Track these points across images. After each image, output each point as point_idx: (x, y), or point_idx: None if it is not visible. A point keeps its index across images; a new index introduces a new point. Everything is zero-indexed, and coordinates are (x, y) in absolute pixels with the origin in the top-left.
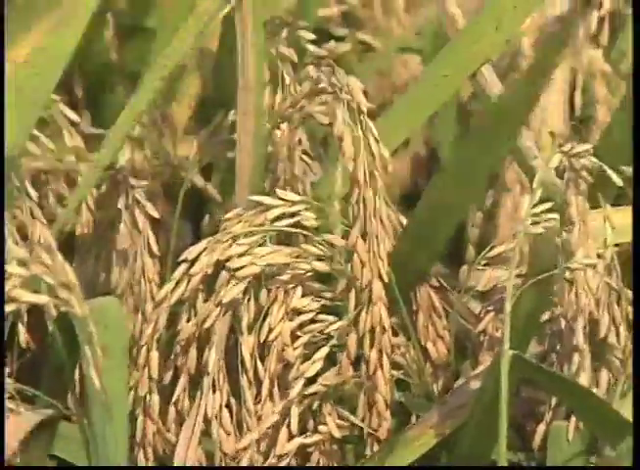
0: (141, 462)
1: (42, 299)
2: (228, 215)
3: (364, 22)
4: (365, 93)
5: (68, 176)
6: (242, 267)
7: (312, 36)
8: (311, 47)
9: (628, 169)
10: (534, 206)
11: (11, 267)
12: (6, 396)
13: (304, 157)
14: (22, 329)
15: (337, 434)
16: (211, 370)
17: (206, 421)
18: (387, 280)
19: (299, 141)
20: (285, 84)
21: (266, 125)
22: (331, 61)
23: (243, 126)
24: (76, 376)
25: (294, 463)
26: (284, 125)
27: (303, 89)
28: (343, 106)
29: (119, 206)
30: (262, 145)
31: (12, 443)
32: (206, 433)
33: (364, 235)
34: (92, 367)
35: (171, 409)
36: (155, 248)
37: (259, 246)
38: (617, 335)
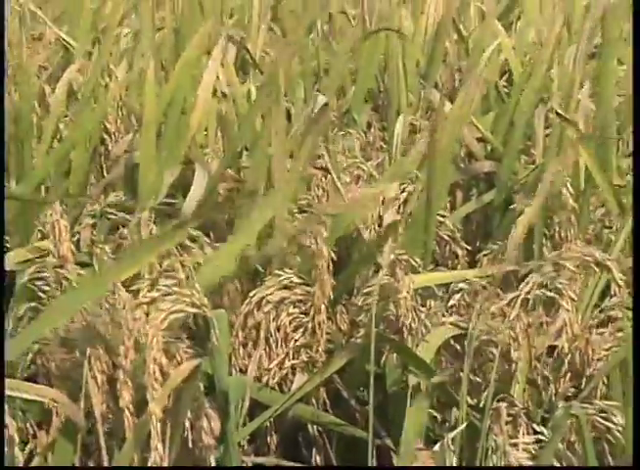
0: (234, 373)
1: (193, 310)
2: (268, 278)
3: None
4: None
5: None
6: (269, 294)
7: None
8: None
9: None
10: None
11: (180, 297)
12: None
13: None
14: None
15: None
16: (264, 330)
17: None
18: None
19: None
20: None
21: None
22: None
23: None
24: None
25: (291, 373)
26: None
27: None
28: (314, 237)
29: None
30: None
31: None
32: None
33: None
34: (215, 337)
35: (242, 350)
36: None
37: (278, 290)
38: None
